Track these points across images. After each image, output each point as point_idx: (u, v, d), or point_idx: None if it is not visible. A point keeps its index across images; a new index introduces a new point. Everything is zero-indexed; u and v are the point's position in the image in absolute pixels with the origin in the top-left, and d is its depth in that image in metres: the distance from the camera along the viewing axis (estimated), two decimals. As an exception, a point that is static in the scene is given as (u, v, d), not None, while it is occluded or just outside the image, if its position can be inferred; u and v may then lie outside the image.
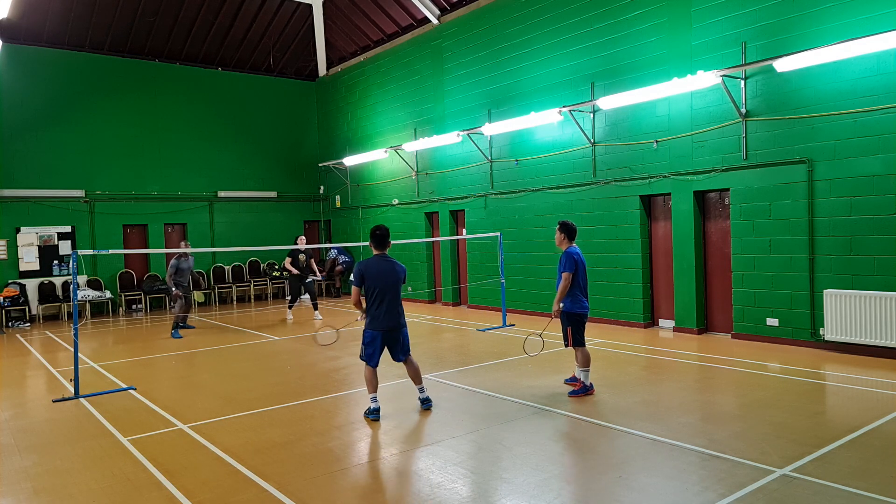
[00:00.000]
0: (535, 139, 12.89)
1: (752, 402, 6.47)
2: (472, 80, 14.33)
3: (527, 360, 8.63)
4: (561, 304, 6.90)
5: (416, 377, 6.63)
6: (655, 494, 4.40)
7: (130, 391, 7.94)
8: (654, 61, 10.63)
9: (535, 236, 12.99)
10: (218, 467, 5.22)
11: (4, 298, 14.77)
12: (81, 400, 7.55)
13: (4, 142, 15.41)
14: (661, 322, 11.20)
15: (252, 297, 18.59)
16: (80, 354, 8.19)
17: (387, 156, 16.75)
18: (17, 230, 15.55)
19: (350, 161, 17.82)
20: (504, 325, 11.88)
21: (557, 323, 7.09)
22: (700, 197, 10.45)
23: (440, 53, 15.27)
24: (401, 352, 6.54)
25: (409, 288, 16.22)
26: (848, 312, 8.43)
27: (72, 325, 9.03)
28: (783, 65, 8.63)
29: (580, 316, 6.93)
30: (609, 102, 10.76)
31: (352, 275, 6.56)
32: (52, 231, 16.01)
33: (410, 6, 15.90)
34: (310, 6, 18.50)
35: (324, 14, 18.73)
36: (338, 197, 19.66)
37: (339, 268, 18.90)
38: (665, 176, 10.62)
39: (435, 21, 15.40)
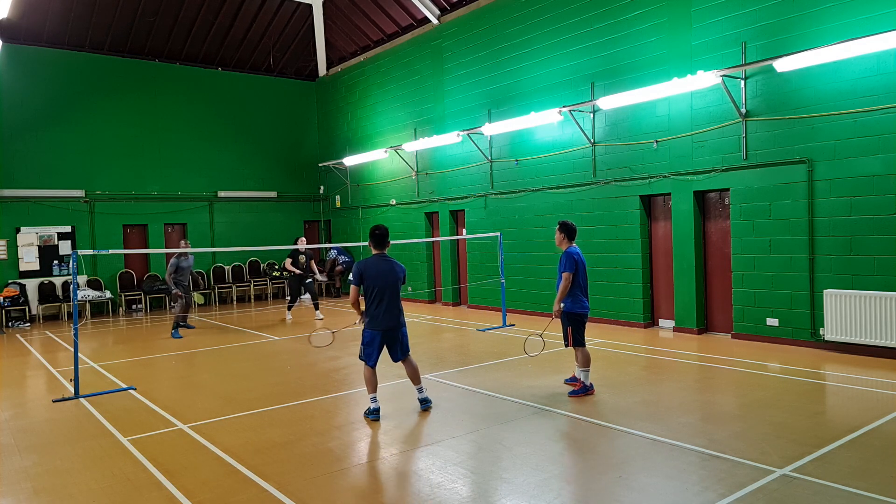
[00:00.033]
0: (535, 139, 12.89)
1: (752, 402, 6.46)
2: (472, 80, 14.33)
3: (527, 360, 8.63)
4: (562, 304, 6.90)
5: (414, 377, 6.62)
6: (655, 494, 4.40)
7: (130, 391, 7.94)
8: (654, 61, 10.63)
9: (535, 236, 12.99)
10: (218, 467, 5.22)
11: (4, 298, 14.78)
12: (81, 400, 7.55)
13: (4, 142, 15.42)
14: (661, 322, 11.20)
15: (252, 297, 18.60)
16: (80, 354, 8.19)
17: (387, 156, 16.75)
18: (17, 230, 15.55)
19: (350, 161, 17.82)
20: (504, 325, 11.88)
21: (558, 323, 7.09)
22: (700, 197, 10.45)
23: (440, 53, 15.27)
24: (400, 351, 6.54)
25: (409, 288, 16.23)
26: (848, 312, 8.43)
27: (72, 325, 9.03)
28: (783, 65, 8.63)
29: (580, 316, 6.93)
30: (609, 102, 10.76)
31: (350, 274, 6.56)
32: (52, 231, 16.01)
33: (410, 6, 15.90)
34: (310, 6, 18.50)
35: (324, 14, 18.73)
36: (338, 197, 19.66)
37: (339, 268, 18.89)
38: (665, 176, 10.62)
39: (435, 21, 15.40)
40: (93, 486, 4.92)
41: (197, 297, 14.02)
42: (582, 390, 6.93)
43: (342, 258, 18.89)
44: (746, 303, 9.62)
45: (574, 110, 11.65)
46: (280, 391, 7.70)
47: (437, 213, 15.90)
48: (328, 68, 19.96)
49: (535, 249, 12.99)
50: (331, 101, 19.85)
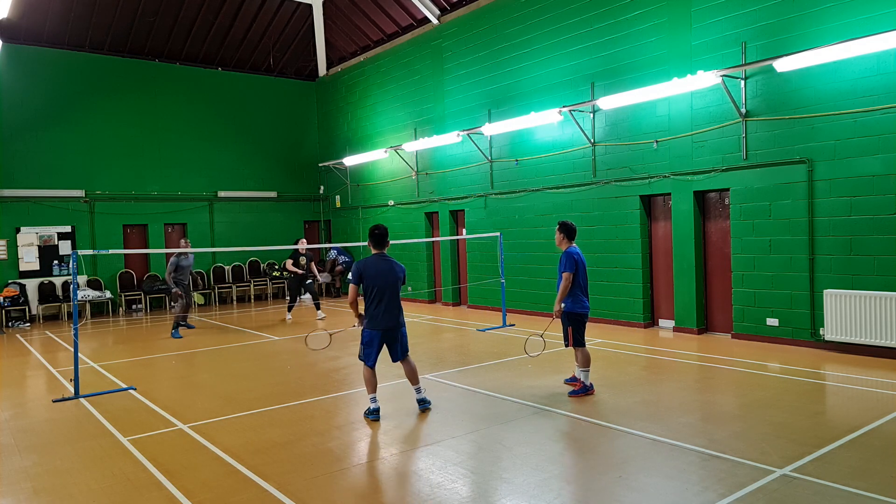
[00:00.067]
0: (535, 139, 12.89)
1: (752, 402, 6.46)
2: (472, 80, 14.33)
3: (527, 361, 8.63)
4: (562, 304, 6.90)
5: (412, 377, 6.61)
6: (655, 494, 4.40)
7: (130, 391, 7.94)
8: (654, 61, 10.63)
9: (535, 236, 12.99)
10: (218, 467, 5.22)
11: (4, 298, 14.78)
12: (81, 400, 7.55)
13: (4, 142, 15.42)
14: (661, 322, 11.20)
15: (252, 297, 18.60)
16: (80, 354, 8.19)
17: (387, 156, 16.75)
18: (17, 230, 15.55)
19: (350, 161, 17.82)
20: (504, 325, 11.88)
21: (558, 323, 7.09)
22: (700, 197, 10.45)
23: (440, 53, 15.27)
24: (399, 351, 6.53)
25: (409, 288, 16.22)
26: (848, 312, 8.43)
27: (72, 325, 9.03)
28: (783, 65, 8.63)
29: (581, 316, 6.93)
30: (609, 102, 10.76)
31: (350, 273, 6.56)
32: (52, 231, 16.01)
33: (410, 6, 15.90)
34: (310, 6, 18.50)
35: (324, 14, 18.73)
36: (338, 197, 19.66)
37: (339, 268, 18.90)
38: (665, 176, 10.62)
39: (435, 21, 15.40)
40: (93, 486, 4.92)
41: (197, 298, 14.03)
42: (582, 390, 6.93)
43: (342, 258, 18.90)
44: (746, 303, 9.62)
45: (574, 110, 11.65)
46: (280, 391, 7.70)
47: (437, 213, 15.90)
48: (328, 68, 19.96)
49: (535, 249, 12.99)
50: (331, 101, 19.85)
